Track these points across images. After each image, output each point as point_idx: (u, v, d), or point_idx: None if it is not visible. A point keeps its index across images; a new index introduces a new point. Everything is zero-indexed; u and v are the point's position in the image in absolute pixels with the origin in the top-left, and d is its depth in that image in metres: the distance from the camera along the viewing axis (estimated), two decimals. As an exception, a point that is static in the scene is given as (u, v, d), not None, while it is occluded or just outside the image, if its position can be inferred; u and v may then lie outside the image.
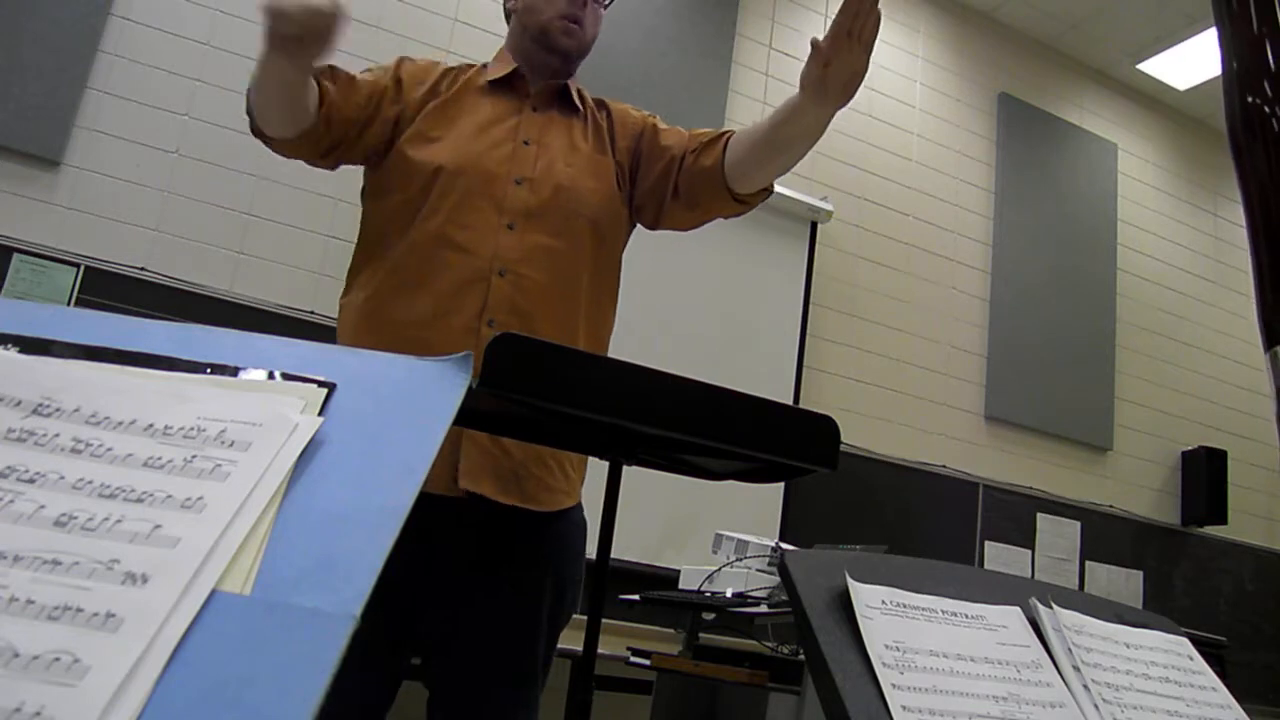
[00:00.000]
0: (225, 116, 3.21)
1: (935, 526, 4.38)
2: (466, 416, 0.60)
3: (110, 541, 0.45)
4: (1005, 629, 0.75)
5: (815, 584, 0.72)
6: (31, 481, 0.47)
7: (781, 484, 3.90)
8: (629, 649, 2.54)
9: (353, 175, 1.51)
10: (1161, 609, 2.37)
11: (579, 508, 1.44)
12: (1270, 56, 0.78)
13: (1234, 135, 0.80)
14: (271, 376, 0.57)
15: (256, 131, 1.36)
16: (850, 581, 0.71)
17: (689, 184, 1.48)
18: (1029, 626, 0.77)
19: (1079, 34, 5.10)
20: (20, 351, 0.55)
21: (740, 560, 2.51)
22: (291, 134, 1.33)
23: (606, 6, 1.54)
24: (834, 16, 1.26)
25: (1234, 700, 0.81)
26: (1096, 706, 0.72)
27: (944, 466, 4.48)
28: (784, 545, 2.49)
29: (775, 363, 4.10)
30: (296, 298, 3.33)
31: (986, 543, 4.51)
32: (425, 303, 1.33)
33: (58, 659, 0.39)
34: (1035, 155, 5.06)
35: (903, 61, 4.79)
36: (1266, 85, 0.78)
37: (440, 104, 1.44)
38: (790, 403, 3.61)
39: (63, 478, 0.48)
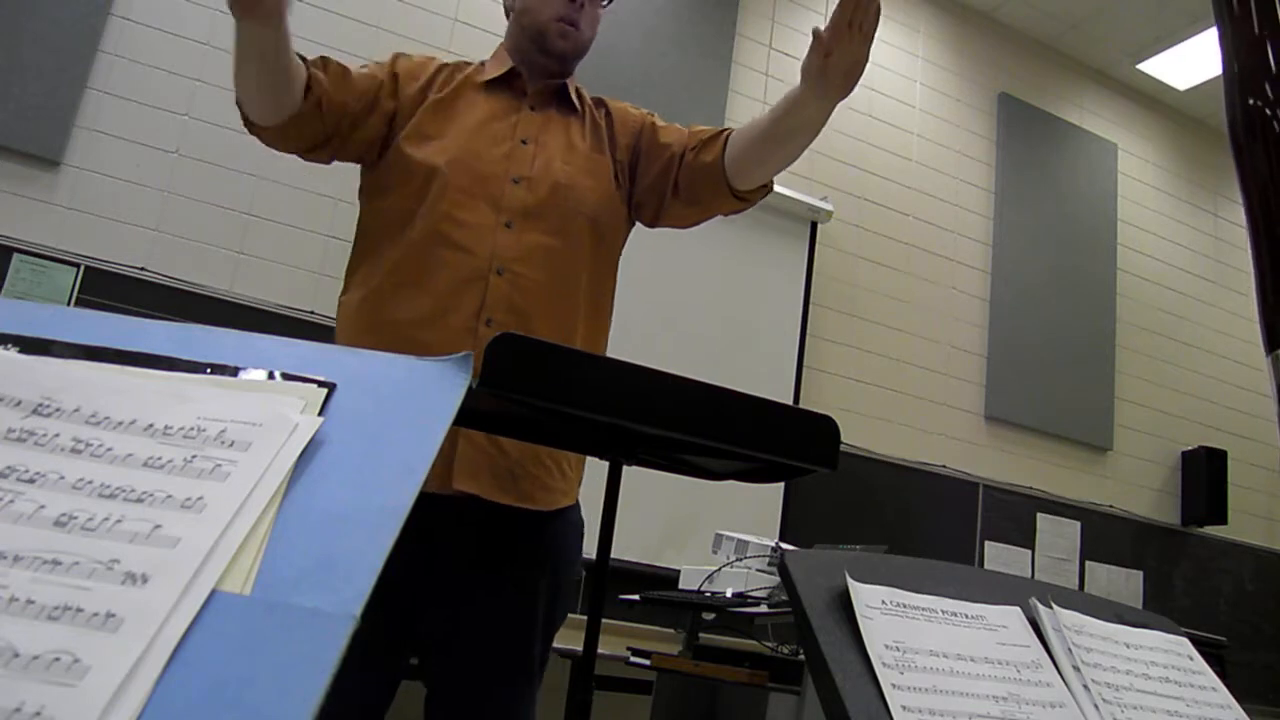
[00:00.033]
0: (225, 116, 3.18)
1: (935, 526, 4.38)
2: (466, 416, 0.60)
3: (110, 541, 0.45)
4: (1005, 629, 0.75)
5: (815, 584, 0.72)
6: (31, 481, 0.47)
7: (781, 484, 3.90)
8: (629, 649, 2.54)
9: (353, 175, 1.50)
10: (1161, 609, 2.37)
11: (576, 507, 1.44)
12: (1271, 58, 0.78)
13: (1235, 137, 0.81)
14: (271, 376, 0.57)
15: (247, 122, 1.35)
16: (850, 581, 0.71)
17: (689, 181, 1.48)
18: (1029, 626, 0.77)
19: (1079, 34, 5.10)
20: (20, 351, 0.55)
21: (740, 560, 2.51)
22: (276, 119, 1.32)
23: (605, 6, 1.54)
24: (834, 9, 1.26)
25: (1234, 700, 0.81)
26: (1096, 706, 0.72)
27: (944, 466, 4.48)
28: (784, 545, 2.49)
29: (775, 363, 4.10)
30: (296, 298, 3.33)
31: (986, 543, 4.51)
32: (423, 302, 1.33)
33: (58, 659, 0.39)
34: (1035, 155, 5.06)
35: (903, 61, 4.79)
36: (1268, 87, 0.78)
37: (438, 102, 1.44)
38: (790, 403, 3.61)
39: (63, 478, 0.48)
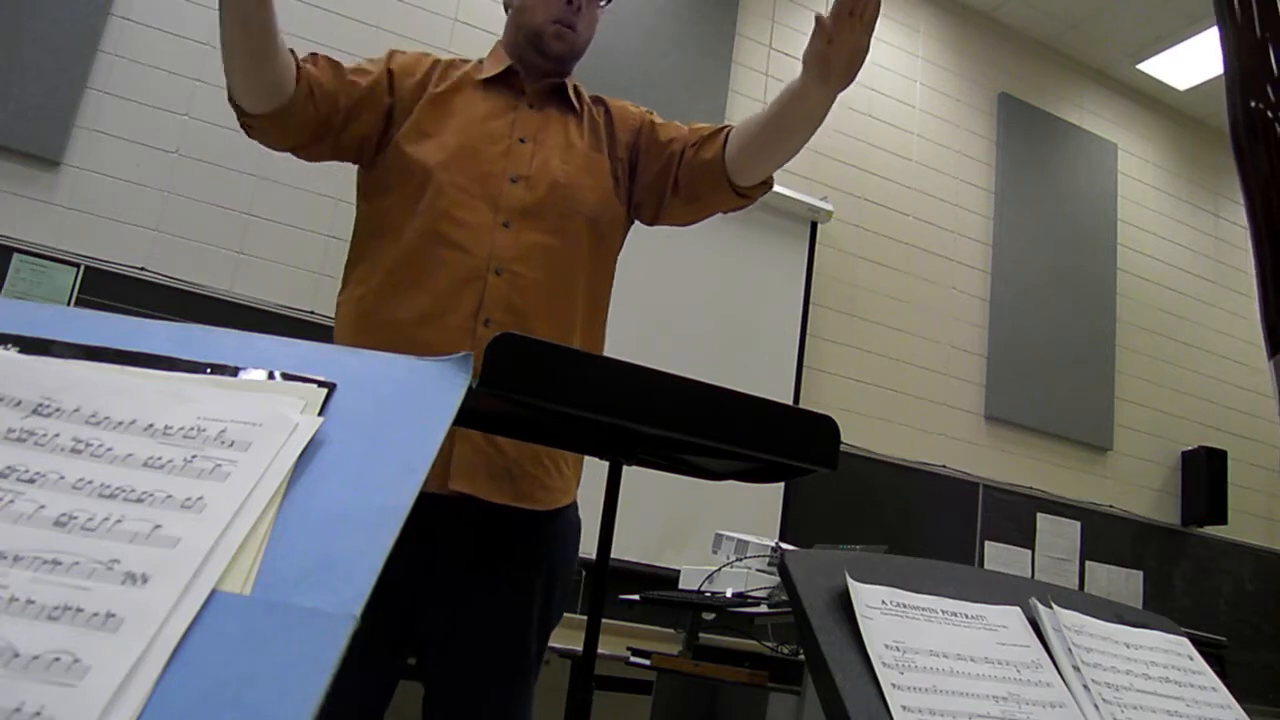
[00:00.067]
0: (225, 116, 3.18)
1: (935, 526, 4.38)
2: (466, 416, 0.60)
3: (110, 541, 0.45)
4: (1005, 629, 0.75)
5: (815, 584, 0.72)
6: (31, 481, 0.47)
7: (781, 484, 3.90)
8: (629, 649, 2.54)
9: (353, 174, 1.50)
10: (1161, 609, 2.37)
11: (574, 506, 1.44)
12: (1273, 61, 0.78)
13: (1236, 139, 0.81)
14: (271, 376, 0.57)
15: (241, 114, 1.33)
16: (850, 581, 0.71)
17: (689, 178, 1.48)
18: (1029, 626, 0.77)
19: (1079, 34, 5.10)
20: (20, 351, 0.55)
21: (740, 560, 2.51)
22: (267, 105, 1.31)
23: (603, 6, 1.54)
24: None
25: (1234, 700, 0.81)
26: (1096, 706, 0.72)
27: (944, 466, 4.48)
28: (784, 545, 2.49)
29: (775, 363, 4.10)
30: (296, 298, 3.33)
31: (986, 543, 4.51)
32: (421, 301, 1.33)
33: (58, 659, 0.39)
34: (1035, 155, 5.06)
35: (903, 61, 4.79)
36: (1269, 89, 0.78)
37: (435, 99, 1.43)
38: (790, 403, 3.61)
39: (63, 478, 0.48)
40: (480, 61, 1.52)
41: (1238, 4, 0.81)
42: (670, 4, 4.19)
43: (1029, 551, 4.62)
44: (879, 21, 1.28)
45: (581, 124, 1.50)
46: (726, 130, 1.47)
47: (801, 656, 2.28)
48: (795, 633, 1.59)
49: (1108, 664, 0.77)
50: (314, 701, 0.39)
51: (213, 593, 0.43)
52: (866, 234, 4.53)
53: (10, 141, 3.02)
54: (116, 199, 3.15)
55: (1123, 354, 5.10)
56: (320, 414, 0.54)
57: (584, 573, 2.45)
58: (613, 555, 0.99)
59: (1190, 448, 5.14)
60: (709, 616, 2.68)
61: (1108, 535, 4.85)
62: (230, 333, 0.61)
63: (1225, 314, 5.52)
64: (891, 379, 4.45)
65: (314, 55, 1.38)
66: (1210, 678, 0.82)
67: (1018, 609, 0.78)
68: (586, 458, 1.43)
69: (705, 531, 2.90)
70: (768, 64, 4.39)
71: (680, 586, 2.72)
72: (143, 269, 3.15)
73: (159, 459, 0.50)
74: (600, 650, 0.98)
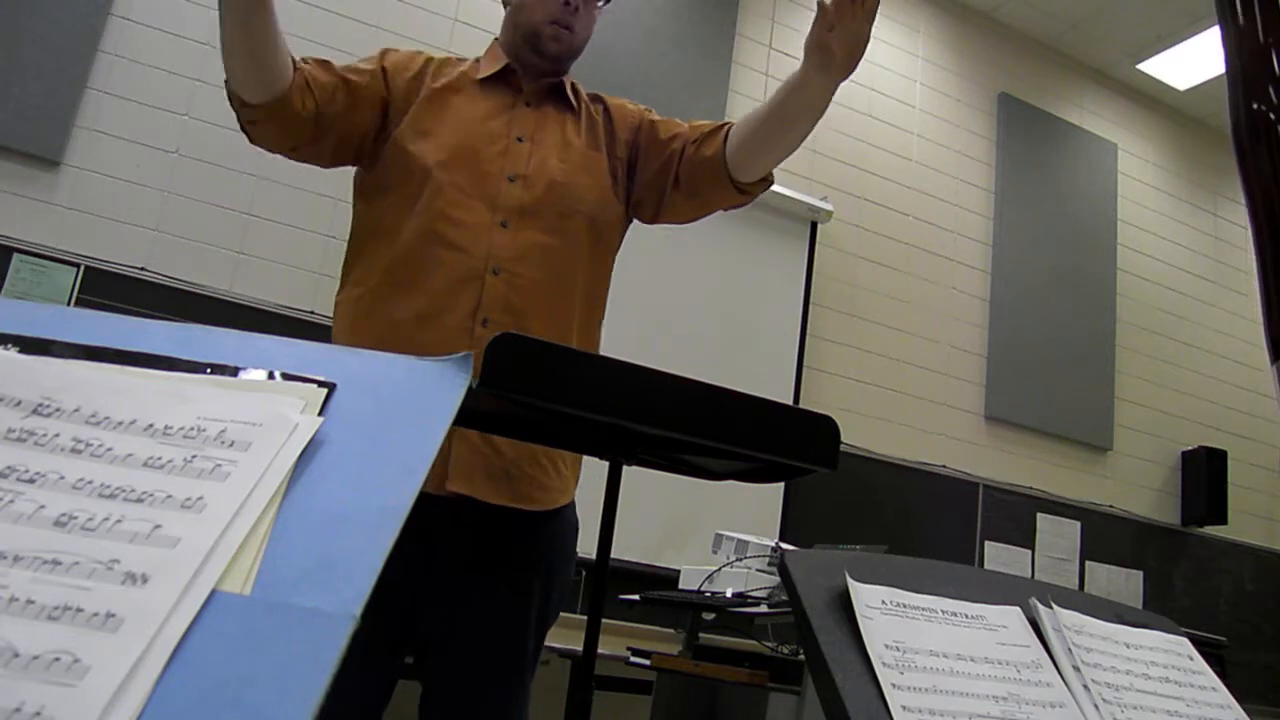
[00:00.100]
0: (225, 116, 3.18)
1: (935, 526, 4.38)
2: (466, 416, 0.60)
3: (110, 541, 0.45)
4: (1005, 629, 0.75)
5: (815, 584, 0.72)
6: (31, 481, 0.47)
7: (781, 484, 3.90)
8: (629, 649, 2.54)
9: (352, 175, 1.50)
10: (1161, 609, 2.37)
11: (572, 506, 1.44)
12: (1276, 64, 0.78)
13: (1239, 140, 0.81)
14: (271, 376, 0.57)
15: (241, 107, 1.32)
16: (850, 581, 0.71)
17: (690, 174, 1.48)
18: (1029, 626, 0.77)
19: (1079, 34, 5.10)
20: (20, 351, 0.55)
21: (740, 560, 2.51)
22: (266, 95, 1.29)
23: (601, 7, 1.53)
24: None
25: (1234, 700, 0.81)
26: (1096, 706, 0.72)
27: (944, 466, 4.48)
28: (784, 545, 2.49)
29: (775, 363, 4.10)
30: (296, 298, 3.33)
31: (986, 543, 4.51)
32: (419, 301, 1.33)
33: (58, 659, 0.39)
34: (1035, 155, 5.06)
35: (903, 61, 4.79)
36: (1272, 92, 0.78)
37: (432, 97, 1.43)
38: (790, 403, 3.62)
39: (63, 478, 0.48)
40: (477, 60, 1.51)
41: (1240, 8, 0.81)
42: (670, 4, 4.19)
43: (1029, 551, 4.62)
44: (879, 22, 1.28)
45: (579, 122, 1.49)
46: (727, 127, 1.47)
47: (801, 656, 2.28)
48: (795, 633, 1.59)
49: (1108, 664, 0.77)
50: (314, 701, 0.39)
51: (213, 593, 0.43)
52: (866, 234, 4.53)
53: (10, 141, 3.02)
54: (116, 199, 3.15)
55: (1123, 354, 5.10)
56: (320, 414, 0.54)
57: (584, 573, 2.44)
58: (613, 555, 0.99)
59: (1190, 448, 5.14)
60: (709, 616, 2.68)
61: (1108, 535, 4.85)
62: (230, 333, 0.61)
63: (1225, 314, 5.52)
64: (891, 379, 4.45)
65: (305, 58, 1.37)
66: (1210, 678, 0.82)
67: (1018, 609, 0.78)
68: (586, 457, 1.43)
69: (705, 531, 2.90)
70: (768, 64, 4.39)
71: (680, 586, 2.72)
72: (143, 269, 3.15)
73: (159, 459, 0.50)
74: (600, 650, 0.98)
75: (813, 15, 1.28)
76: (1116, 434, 4.98)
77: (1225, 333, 5.50)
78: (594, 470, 1.20)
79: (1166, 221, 5.47)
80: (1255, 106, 0.79)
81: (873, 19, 1.27)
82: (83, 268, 3.06)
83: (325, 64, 1.39)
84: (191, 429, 0.51)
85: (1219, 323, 5.50)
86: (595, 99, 1.55)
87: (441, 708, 1.34)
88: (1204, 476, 5.03)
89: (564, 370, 0.86)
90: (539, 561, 1.38)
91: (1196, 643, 0.86)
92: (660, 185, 1.50)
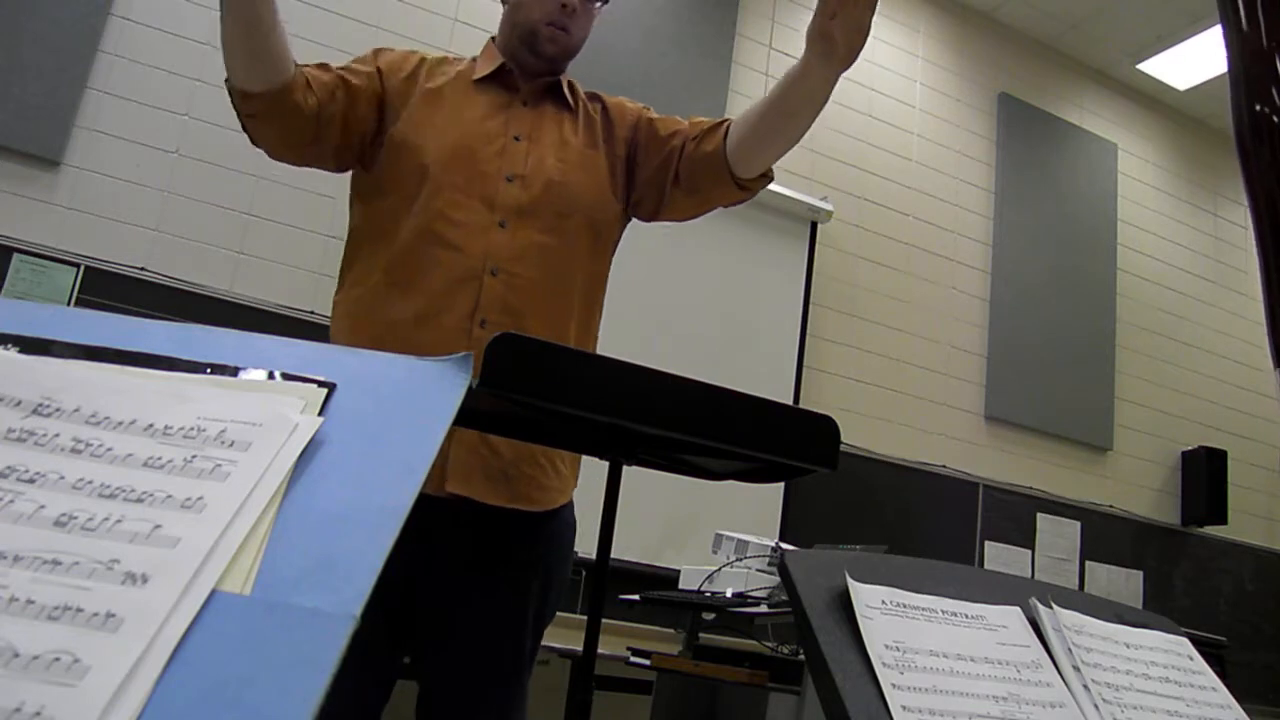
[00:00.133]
0: (225, 116, 3.18)
1: (935, 526, 4.38)
2: (466, 416, 0.60)
3: (110, 541, 0.45)
4: (1005, 629, 0.75)
5: (815, 584, 0.72)
6: (31, 481, 0.47)
7: (781, 484, 3.90)
8: (629, 649, 2.54)
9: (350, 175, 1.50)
10: (1161, 609, 2.37)
11: (570, 506, 1.44)
12: None
13: (1241, 142, 0.81)
14: (271, 376, 0.57)
15: (240, 96, 1.30)
16: (850, 581, 0.71)
17: (690, 170, 1.47)
18: (1029, 626, 0.77)
19: (1079, 34, 5.10)
20: (20, 351, 0.55)
21: (740, 560, 2.51)
22: (265, 84, 1.28)
23: (600, 7, 1.53)
24: None
25: (1234, 700, 0.81)
26: (1096, 706, 0.72)
27: (944, 466, 4.48)
28: (784, 545, 2.49)
29: (775, 363, 4.10)
30: (296, 298, 3.33)
31: (986, 543, 4.51)
32: (417, 301, 1.33)
33: (58, 659, 0.39)
34: (1035, 155, 5.06)
35: (903, 61, 4.79)
36: (1275, 94, 0.78)
37: (429, 98, 1.42)
38: (790, 403, 3.62)
39: (63, 478, 0.48)
40: (473, 60, 1.51)
41: (1244, 11, 0.81)
42: (670, 4, 4.19)
43: (1029, 551, 4.62)
44: (879, 22, 1.27)
45: (577, 121, 1.49)
46: (727, 123, 1.47)
47: (801, 656, 2.28)
48: (795, 633, 1.59)
49: (1108, 664, 0.77)
50: (314, 701, 0.39)
51: (213, 593, 0.43)
52: (866, 234, 4.53)
53: (10, 141, 3.02)
54: (116, 199, 3.15)
55: (1123, 354, 5.10)
56: (320, 414, 0.54)
57: (584, 573, 2.44)
58: (613, 555, 0.99)
59: (1190, 448, 5.14)
60: (709, 616, 2.68)
61: (1108, 535, 4.85)
62: (230, 333, 0.61)
63: (1225, 314, 5.52)
64: (891, 379, 4.45)
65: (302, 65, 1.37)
66: (1210, 678, 0.82)
67: (1018, 609, 0.78)
68: (585, 457, 1.42)
69: (705, 531, 2.90)
70: (768, 64, 4.39)
71: (680, 586, 2.72)
72: (143, 269, 3.15)
73: (159, 459, 0.50)
74: (600, 650, 0.98)
75: (812, 14, 1.28)
76: (1116, 434, 4.98)
77: (1225, 333, 5.50)
78: (594, 470, 1.20)
79: (1166, 221, 5.47)
80: (1258, 108, 0.79)
81: (874, 8, 1.27)
82: (83, 268, 3.06)
83: (323, 65, 1.39)
84: (191, 429, 0.51)
85: (1219, 323, 5.50)
86: (593, 97, 1.54)
87: (441, 707, 1.35)
88: (1204, 476, 5.04)
89: (564, 370, 0.86)
90: (538, 561, 1.38)
91: (1196, 643, 0.86)
92: (660, 182, 1.49)
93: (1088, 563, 4.76)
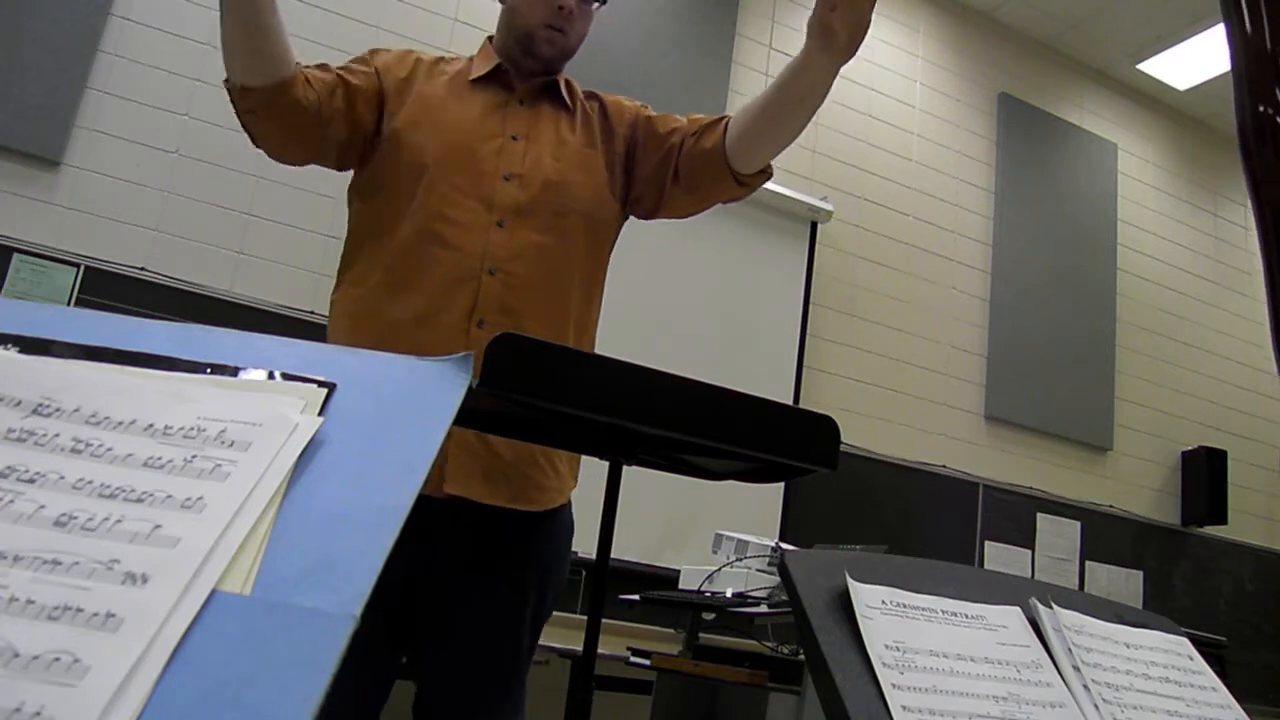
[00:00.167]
0: (225, 116, 3.18)
1: (935, 526, 4.38)
2: (465, 416, 0.60)
3: (110, 541, 0.45)
4: (1005, 629, 0.75)
5: (815, 584, 0.72)
6: (31, 481, 0.47)
7: (781, 484, 3.90)
8: (629, 649, 2.54)
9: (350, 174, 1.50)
10: (1161, 609, 2.37)
11: (568, 506, 1.44)
12: None
13: (1244, 143, 0.80)
14: (271, 376, 0.57)
15: (239, 92, 1.30)
16: (850, 581, 0.71)
17: (689, 167, 1.47)
18: (1029, 626, 0.77)
19: (1079, 34, 5.10)
20: (20, 351, 0.55)
21: (740, 560, 2.51)
22: (265, 79, 1.28)
23: (598, 7, 1.53)
24: None
25: (1234, 700, 0.81)
26: (1096, 706, 0.72)
27: (944, 466, 4.48)
28: (784, 545, 2.49)
29: (775, 363, 4.10)
30: (296, 298, 3.33)
31: (986, 543, 4.51)
32: (415, 301, 1.33)
33: (58, 659, 0.39)
34: (1035, 155, 5.06)
35: (903, 61, 4.79)
36: (1279, 95, 0.78)
37: (425, 98, 1.42)
38: (790, 403, 3.61)
39: (63, 478, 0.48)
40: (470, 59, 1.51)
41: (1247, 13, 0.80)
42: (670, 4, 4.19)
43: (1029, 551, 4.62)
44: (879, 22, 1.27)
45: (574, 120, 1.49)
46: (726, 119, 1.47)
47: (801, 656, 2.28)
48: (795, 633, 1.59)
49: (1108, 664, 0.77)
50: (314, 701, 0.39)
51: (213, 593, 0.43)
52: (866, 234, 4.53)
53: (10, 141, 3.02)
54: (116, 199, 3.15)
55: (1123, 354, 5.10)
56: (320, 414, 0.54)
57: (584, 573, 2.44)
58: (613, 555, 0.99)
59: (1190, 448, 5.14)
60: (709, 616, 2.68)
61: (1108, 535, 4.85)
62: (230, 333, 0.61)
63: (1225, 314, 5.52)
64: (891, 379, 4.45)
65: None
66: (1210, 678, 0.82)
67: (1018, 609, 0.78)
68: (585, 457, 1.42)
69: (705, 531, 2.90)
70: (768, 64, 4.39)
71: (680, 586, 2.72)
72: (143, 269, 3.15)
73: (159, 459, 0.50)
74: (600, 650, 0.98)
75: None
76: (1116, 434, 4.98)
77: (1225, 333, 5.50)
78: (594, 470, 1.20)
79: (1166, 221, 5.47)
80: (1261, 109, 0.79)
81: (874, 3, 1.27)
82: (83, 268, 3.06)
83: (323, 65, 1.39)
84: (191, 429, 0.51)
85: (1219, 323, 5.50)
86: (591, 96, 1.54)
87: (439, 706, 1.35)
88: (1204, 476, 5.04)
89: (564, 370, 0.86)
90: (537, 561, 1.38)
91: (1196, 643, 0.86)
92: (660, 180, 1.49)
93: (1088, 563, 4.76)
